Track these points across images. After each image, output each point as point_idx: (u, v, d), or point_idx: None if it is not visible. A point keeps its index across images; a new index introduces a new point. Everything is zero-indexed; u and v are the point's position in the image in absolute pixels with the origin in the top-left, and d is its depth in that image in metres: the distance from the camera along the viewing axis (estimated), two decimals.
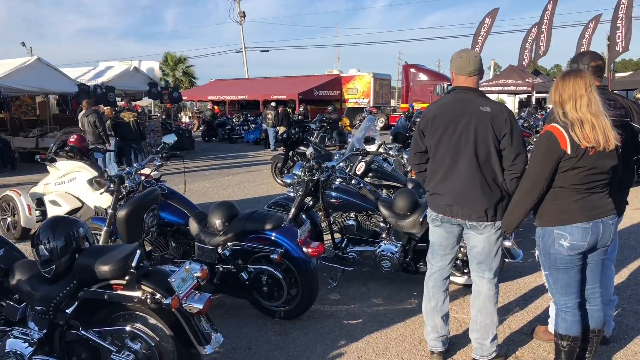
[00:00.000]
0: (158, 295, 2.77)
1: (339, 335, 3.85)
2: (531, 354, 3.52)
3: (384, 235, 4.84)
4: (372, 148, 6.13)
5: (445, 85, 29.44)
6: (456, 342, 3.67)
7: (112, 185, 4.13)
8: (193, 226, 4.17)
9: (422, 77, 30.69)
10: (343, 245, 5.00)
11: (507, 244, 4.38)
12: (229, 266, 4.07)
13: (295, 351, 3.64)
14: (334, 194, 4.92)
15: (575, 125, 2.75)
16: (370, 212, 4.96)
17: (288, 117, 18.42)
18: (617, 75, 25.64)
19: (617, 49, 22.53)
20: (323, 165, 5.05)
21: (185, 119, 33.20)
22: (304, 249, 3.94)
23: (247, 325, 4.03)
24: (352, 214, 4.99)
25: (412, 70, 30.70)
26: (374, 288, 4.80)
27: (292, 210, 5.05)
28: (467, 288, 4.53)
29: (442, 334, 3.44)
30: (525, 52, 27.40)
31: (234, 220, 4.07)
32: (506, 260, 4.44)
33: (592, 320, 3.06)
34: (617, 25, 22.23)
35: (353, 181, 5.03)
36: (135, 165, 4.61)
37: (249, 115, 23.93)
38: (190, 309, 2.81)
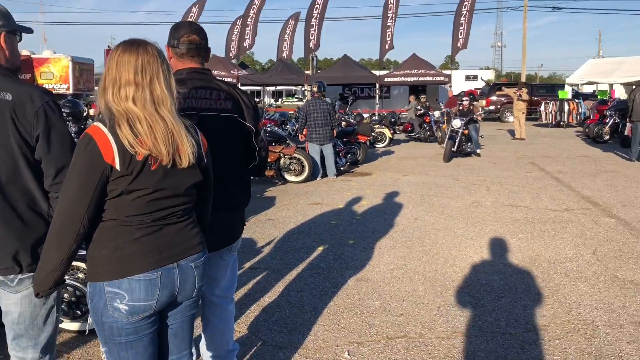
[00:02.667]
0: None
1: None
2: None
3: None
4: None
5: None
6: None
7: None
8: None
9: None
10: None
11: None
12: None
13: None
14: None
15: (123, 125, 1.78)
16: None
17: None
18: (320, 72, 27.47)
19: (310, 46, 24.01)
20: None
21: None
22: None
23: None
24: None
25: None
26: None
27: None
28: (83, 337, 3.37)
29: None
30: (232, 44, 27.50)
31: None
32: None
33: None
34: (312, 23, 23.65)
35: None
36: None
37: None
38: None
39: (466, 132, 12.64)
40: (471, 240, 5.71)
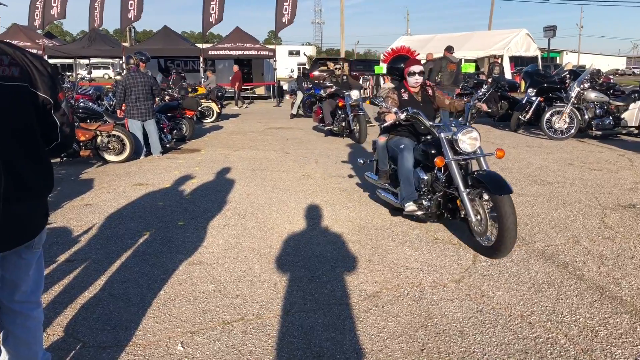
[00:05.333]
0: None
1: None
2: None
3: None
4: None
5: None
6: None
7: None
8: None
9: None
10: None
11: None
12: None
13: None
14: None
15: None
16: None
17: None
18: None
19: (130, 17, 22.45)
20: None
21: None
22: None
23: None
24: None
25: None
26: None
27: None
28: None
29: None
30: (37, 12, 24.78)
31: None
32: None
33: None
34: None
35: None
36: None
37: None
38: None
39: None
40: (304, 213, 5.72)
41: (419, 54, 6.47)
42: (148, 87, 9.15)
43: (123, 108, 9.26)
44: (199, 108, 13.77)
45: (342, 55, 37.18)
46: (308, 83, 16.21)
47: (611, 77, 14.69)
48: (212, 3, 22.02)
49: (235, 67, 19.89)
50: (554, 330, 3.13)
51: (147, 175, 7.87)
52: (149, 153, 9.47)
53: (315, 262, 4.29)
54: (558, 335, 3.08)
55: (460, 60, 14.15)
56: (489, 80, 14.77)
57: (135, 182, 7.34)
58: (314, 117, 13.08)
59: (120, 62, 23.89)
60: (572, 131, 10.79)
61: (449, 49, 12.80)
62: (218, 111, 15.34)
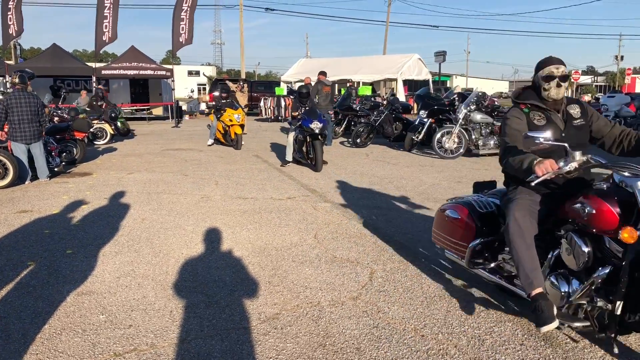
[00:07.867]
0: None
1: None
2: None
3: None
4: None
5: None
6: None
7: None
8: None
9: None
10: None
11: None
12: None
13: None
14: None
15: None
16: None
17: None
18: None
19: (11, 33, 21.23)
20: None
21: None
22: None
23: None
24: None
25: None
26: None
27: None
28: None
29: None
30: None
31: None
32: None
33: None
34: (9, 6, 20.81)
35: None
36: None
37: None
38: None
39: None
40: (202, 237, 5.60)
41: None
42: (34, 109, 8.60)
43: (5, 130, 8.63)
44: (91, 129, 13.14)
45: (243, 76, 37.17)
46: (302, 110, 10.48)
47: (495, 99, 15.82)
48: (105, 21, 21.24)
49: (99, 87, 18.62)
50: (445, 342, 3.27)
51: (33, 201, 7.36)
52: (35, 178, 8.88)
53: (213, 287, 4.20)
54: (448, 346, 3.22)
55: (333, 83, 15.14)
56: (384, 102, 15.38)
57: (19, 209, 6.84)
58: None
59: (5, 80, 22.34)
60: (461, 150, 11.47)
61: (323, 74, 13.99)
62: (112, 132, 14.71)
